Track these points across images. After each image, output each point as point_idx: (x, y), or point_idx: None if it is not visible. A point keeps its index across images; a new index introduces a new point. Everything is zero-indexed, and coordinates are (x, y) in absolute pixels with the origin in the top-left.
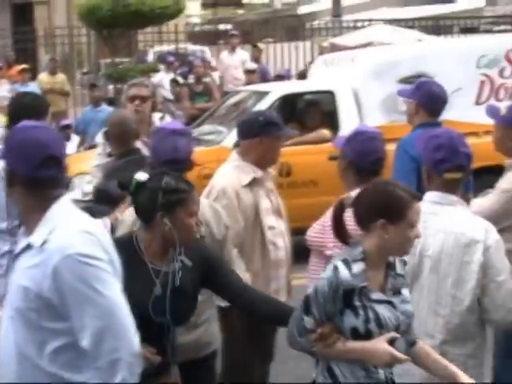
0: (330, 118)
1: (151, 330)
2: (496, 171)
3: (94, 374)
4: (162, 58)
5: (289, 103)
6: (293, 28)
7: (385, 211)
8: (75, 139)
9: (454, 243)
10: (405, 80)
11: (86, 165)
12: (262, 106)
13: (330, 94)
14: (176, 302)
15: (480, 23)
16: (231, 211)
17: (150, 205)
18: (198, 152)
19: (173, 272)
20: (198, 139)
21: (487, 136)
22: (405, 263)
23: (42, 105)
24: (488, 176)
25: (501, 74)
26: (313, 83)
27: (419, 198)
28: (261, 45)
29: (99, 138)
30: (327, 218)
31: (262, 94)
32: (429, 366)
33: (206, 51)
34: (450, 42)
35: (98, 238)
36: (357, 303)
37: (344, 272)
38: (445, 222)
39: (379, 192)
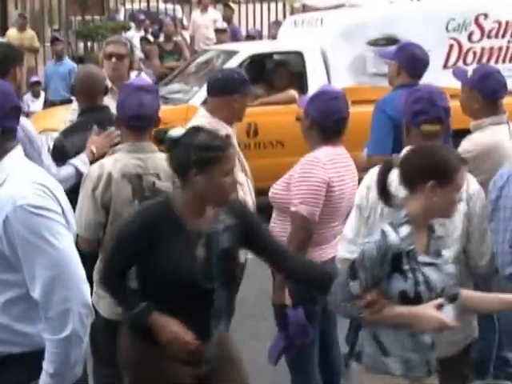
0: (298, 79)
1: (195, 296)
2: (464, 135)
3: (45, 325)
4: (133, 17)
5: (257, 63)
6: None
7: (435, 173)
8: (43, 96)
9: None
10: (373, 42)
11: (51, 122)
12: (231, 65)
13: (298, 55)
14: (222, 264)
15: None
16: None
17: (184, 162)
18: (166, 110)
19: (215, 233)
20: (166, 98)
21: (454, 100)
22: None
23: (15, 51)
24: (456, 140)
25: (469, 38)
26: (281, 44)
27: (465, 163)
28: (233, 4)
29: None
30: (292, 173)
31: (231, 54)
32: (480, 304)
33: (178, 10)
34: (420, 4)
35: (50, 189)
36: (405, 267)
37: (392, 235)
38: None
39: (430, 154)
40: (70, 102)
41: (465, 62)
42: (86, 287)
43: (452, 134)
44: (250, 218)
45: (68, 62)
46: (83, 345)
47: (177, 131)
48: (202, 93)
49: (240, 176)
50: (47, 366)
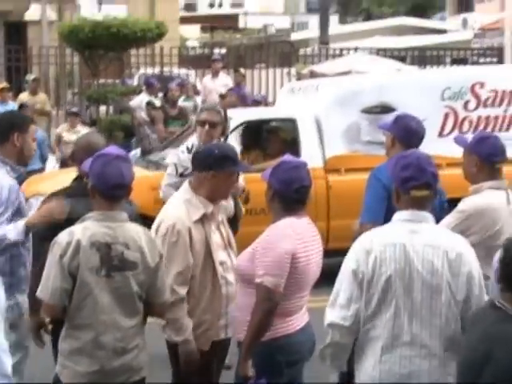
0: (291, 146)
1: None
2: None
3: None
4: (145, 81)
5: (251, 130)
6: (285, 54)
7: None
8: (51, 158)
9: (444, 257)
10: (368, 110)
11: (43, 186)
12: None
13: (291, 122)
14: None
15: (468, 54)
16: (181, 248)
17: None
18: (157, 176)
19: None
20: (158, 163)
21: (450, 168)
22: None
23: (18, 118)
24: (451, 208)
25: (465, 106)
26: (275, 110)
27: None
28: (243, 70)
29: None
30: (256, 245)
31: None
32: None
33: (191, 75)
34: (415, 73)
35: None
36: None
37: None
38: (429, 237)
39: None
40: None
41: (461, 131)
42: (7, 359)
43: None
44: None
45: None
46: None
47: None
48: None
49: (221, 254)
50: None
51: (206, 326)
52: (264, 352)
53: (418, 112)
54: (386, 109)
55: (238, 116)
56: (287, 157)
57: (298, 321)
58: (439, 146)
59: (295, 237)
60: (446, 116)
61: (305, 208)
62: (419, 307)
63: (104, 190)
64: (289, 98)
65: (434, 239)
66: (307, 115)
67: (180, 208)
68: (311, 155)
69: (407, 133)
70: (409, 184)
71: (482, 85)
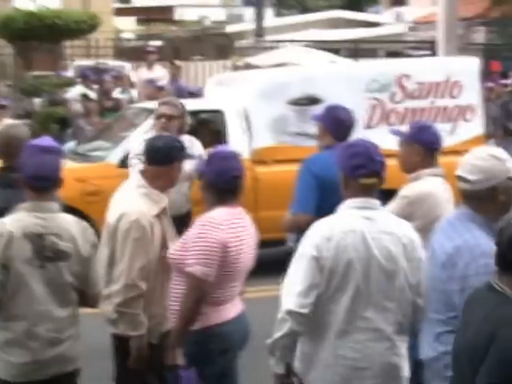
0: (219, 138)
1: None
2: (388, 195)
3: None
4: (80, 73)
5: None
6: (221, 46)
7: None
8: None
9: (398, 243)
10: (295, 102)
11: None
12: (149, 123)
13: (219, 114)
14: None
15: (402, 47)
16: (144, 243)
17: None
18: (83, 168)
19: None
20: (85, 155)
21: None
22: None
23: None
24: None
25: (392, 98)
26: (203, 102)
27: None
28: (179, 62)
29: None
30: (188, 235)
31: (150, 111)
32: None
33: (126, 67)
34: (342, 65)
35: None
36: None
37: None
38: (383, 224)
39: None
40: None
41: (388, 122)
42: None
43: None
44: None
45: None
46: None
47: None
48: (118, 150)
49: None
50: None
51: (157, 320)
52: (196, 341)
53: (345, 104)
54: (312, 100)
55: None
56: (219, 147)
57: (231, 310)
58: (367, 138)
59: (226, 227)
60: (373, 108)
61: (237, 198)
62: (375, 292)
63: (27, 180)
64: (216, 90)
65: (388, 226)
66: (234, 107)
67: (140, 202)
68: (238, 147)
69: (337, 123)
70: (358, 172)
71: (408, 77)
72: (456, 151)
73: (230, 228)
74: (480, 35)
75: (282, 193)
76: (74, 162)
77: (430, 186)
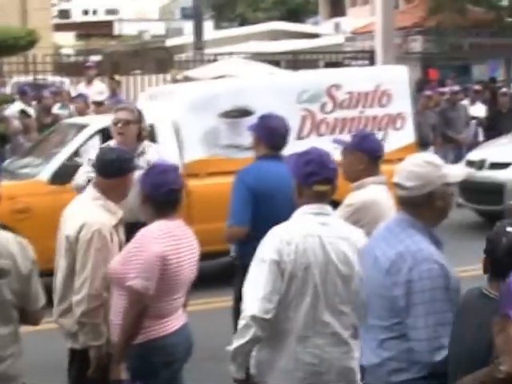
0: None
1: None
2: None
3: None
4: (18, 89)
5: (107, 136)
6: (161, 60)
7: None
8: None
9: (354, 248)
10: (225, 114)
11: None
12: (80, 138)
13: (149, 127)
14: None
15: (341, 58)
16: (105, 253)
17: None
18: (12, 186)
19: None
20: (14, 173)
21: None
22: None
23: None
24: None
25: (322, 109)
26: None
27: None
28: (118, 77)
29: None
30: (128, 249)
31: (81, 127)
32: None
33: (66, 82)
34: (272, 76)
35: None
36: None
37: None
38: (338, 230)
39: None
40: None
41: (318, 133)
42: None
43: None
44: None
45: None
46: None
47: None
48: (49, 167)
49: None
50: None
51: (111, 328)
52: (139, 354)
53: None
54: (243, 112)
55: (94, 123)
56: (158, 160)
57: (174, 322)
58: (298, 149)
59: (165, 239)
60: (304, 119)
61: (176, 211)
62: (332, 296)
63: None
64: (148, 104)
65: (343, 231)
66: (165, 120)
67: (100, 213)
68: (169, 160)
69: (269, 131)
70: (312, 179)
71: (338, 87)
72: (387, 160)
73: (170, 241)
74: (417, 44)
75: (216, 205)
76: (5, 180)
77: (375, 194)
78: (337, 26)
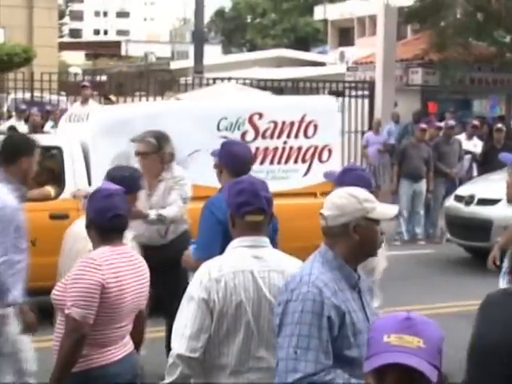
0: (57, 175)
1: None
2: None
3: None
4: (14, 106)
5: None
6: (165, 82)
7: None
8: None
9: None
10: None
11: None
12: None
13: (58, 150)
14: None
15: (342, 87)
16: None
17: None
18: None
19: None
20: None
21: None
22: None
23: (27, 143)
24: None
25: (243, 137)
26: (43, 138)
27: None
28: (114, 97)
29: None
30: (69, 277)
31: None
32: None
33: (63, 100)
34: (190, 102)
35: None
36: None
37: None
38: (272, 262)
39: None
40: None
41: None
42: None
43: None
44: None
45: None
46: None
47: None
48: None
49: None
50: None
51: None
52: (78, 382)
53: (193, 142)
54: None
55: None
56: (103, 184)
57: (116, 352)
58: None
59: (106, 267)
60: None
61: (121, 237)
62: (266, 331)
63: None
64: (65, 126)
65: (278, 264)
66: (73, 143)
67: None
68: (76, 184)
69: (232, 158)
70: (243, 209)
71: (260, 115)
72: (310, 193)
73: (111, 268)
74: (418, 76)
75: None
76: None
77: None
78: (341, 56)
